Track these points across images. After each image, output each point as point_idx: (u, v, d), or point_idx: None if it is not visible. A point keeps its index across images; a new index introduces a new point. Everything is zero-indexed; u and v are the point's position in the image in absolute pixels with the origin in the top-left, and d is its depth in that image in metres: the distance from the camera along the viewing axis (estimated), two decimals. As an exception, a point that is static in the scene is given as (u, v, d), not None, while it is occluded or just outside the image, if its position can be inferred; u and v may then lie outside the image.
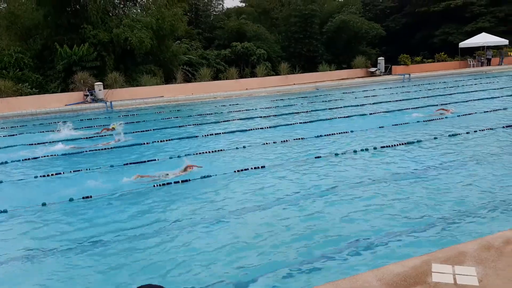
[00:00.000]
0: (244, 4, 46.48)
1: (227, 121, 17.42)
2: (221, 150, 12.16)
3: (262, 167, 10.07)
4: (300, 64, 37.41)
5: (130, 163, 11.10)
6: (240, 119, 17.69)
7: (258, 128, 15.30)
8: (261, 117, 18.06)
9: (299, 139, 13.06)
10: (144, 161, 11.30)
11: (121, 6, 33.38)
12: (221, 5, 41.80)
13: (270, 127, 15.46)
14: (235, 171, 9.79)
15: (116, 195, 8.61)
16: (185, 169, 9.80)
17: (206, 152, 11.94)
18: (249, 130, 15.12)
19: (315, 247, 6.03)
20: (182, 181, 9.22)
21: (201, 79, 30.06)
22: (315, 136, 13.25)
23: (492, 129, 12.91)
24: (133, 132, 15.64)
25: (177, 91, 27.46)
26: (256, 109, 20.65)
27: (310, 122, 16.14)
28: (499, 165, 9.41)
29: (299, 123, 16.01)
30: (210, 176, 9.50)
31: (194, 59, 33.31)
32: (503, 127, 13.11)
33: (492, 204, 7.16)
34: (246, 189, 8.74)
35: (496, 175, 8.65)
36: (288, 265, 5.58)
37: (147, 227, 7.01)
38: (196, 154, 11.82)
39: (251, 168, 9.94)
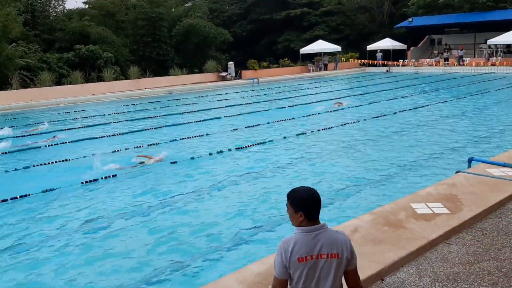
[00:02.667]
0: (87, 6, 43.71)
1: (72, 128, 16.01)
2: (66, 160, 11.07)
3: (113, 175, 9.42)
4: (151, 68, 36.50)
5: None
6: (87, 126, 16.42)
7: (108, 136, 14.36)
8: (111, 123, 17.05)
9: (153, 144, 12.58)
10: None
11: None
12: (61, 6, 38.63)
13: (121, 134, 14.64)
14: (82, 182, 8.99)
15: None
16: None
17: (51, 163, 10.76)
18: (98, 138, 14.09)
19: (176, 256, 5.77)
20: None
21: (42, 84, 27.30)
22: (170, 141, 12.92)
23: (331, 127, 14.08)
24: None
25: (12, 98, 24.49)
26: (104, 115, 19.45)
27: (164, 126, 15.72)
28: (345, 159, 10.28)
29: (153, 128, 15.48)
30: (54, 189, 8.58)
31: (33, 63, 30.16)
32: (341, 124, 14.42)
33: (336, 199, 7.72)
34: (97, 198, 8.07)
35: (340, 170, 9.39)
36: (142, 278, 5.22)
37: None
38: (42, 164, 10.60)
39: (102, 178, 9.23)
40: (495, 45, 36.79)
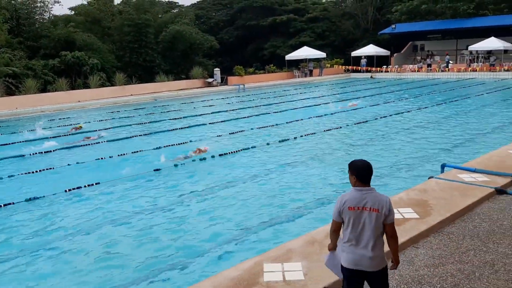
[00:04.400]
0: (73, 12, 43.56)
1: (57, 136, 16.03)
2: (50, 168, 11.14)
3: (96, 183, 9.53)
4: (137, 74, 36.55)
5: None
6: (71, 134, 16.46)
7: (92, 144, 14.42)
8: (96, 130, 17.10)
9: (137, 151, 12.70)
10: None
11: None
12: (47, 12, 38.43)
13: (106, 141, 14.71)
14: (66, 190, 9.09)
15: None
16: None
17: (38, 171, 10.82)
18: (81, 146, 14.15)
19: (150, 263, 5.93)
20: None
21: (27, 91, 27.19)
22: (154, 148, 13.05)
23: (315, 133, 14.34)
24: None
25: (-3, 106, 24.39)
26: (90, 122, 19.49)
27: (149, 134, 15.83)
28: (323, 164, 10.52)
29: (138, 135, 15.58)
30: (38, 198, 8.67)
31: (18, 70, 30.01)
32: (324, 130, 14.69)
33: (313, 203, 7.94)
34: (81, 209, 8.19)
35: (316, 174, 9.63)
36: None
37: None
38: (28, 173, 10.67)
39: (85, 186, 9.34)
40: (476, 51, 37.56)
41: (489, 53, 36.42)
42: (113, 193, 9.06)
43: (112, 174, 10.23)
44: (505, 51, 36.69)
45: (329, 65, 43.35)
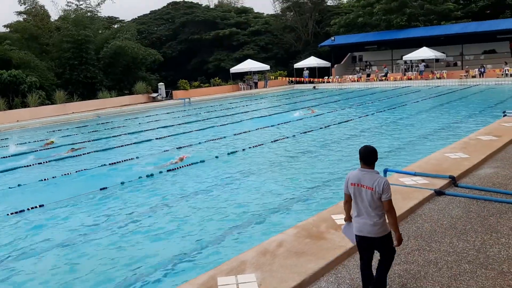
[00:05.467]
0: (8, 29, 41.60)
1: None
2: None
3: (40, 206, 9.13)
4: (78, 91, 35.46)
5: None
6: (8, 157, 15.66)
7: (33, 164, 13.80)
8: (37, 150, 16.40)
9: (82, 170, 12.30)
10: None
11: None
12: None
13: (48, 162, 14.12)
14: (8, 214, 8.66)
15: None
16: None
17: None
18: (22, 167, 13.51)
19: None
20: None
21: (-41, 113, 25.68)
22: (99, 166, 12.70)
23: (262, 144, 14.51)
24: None
25: None
26: (29, 142, 18.65)
27: (94, 152, 15.35)
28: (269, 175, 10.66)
29: (82, 154, 15.07)
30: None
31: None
32: (271, 141, 14.90)
33: (264, 213, 8.03)
34: (22, 233, 7.81)
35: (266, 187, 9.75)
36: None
37: None
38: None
39: (28, 209, 8.93)
40: (410, 60, 39.59)
41: (423, 61, 38.54)
42: (58, 215, 8.71)
43: (56, 195, 9.86)
44: (437, 60, 38.97)
45: (273, 77, 44.11)
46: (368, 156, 4.15)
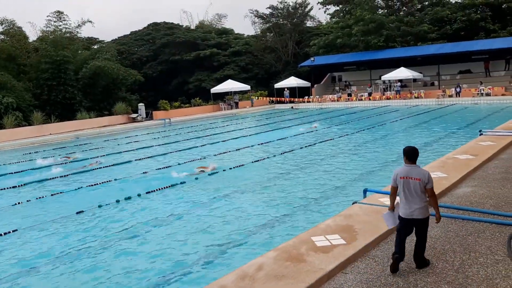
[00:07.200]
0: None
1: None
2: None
3: (14, 230, 8.86)
4: (57, 112, 34.99)
5: None
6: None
7: (7, 188, 13.43)
8: (11, 173, 16.00)
9: (58, 193, 12.02)
10: None
11: None
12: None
13: (24, 184, 13.76)
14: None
15: None
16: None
17: None
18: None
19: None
20: None
21: None
22: (75, 189, 12.43)
23: (243, 165, 14.44)
24: None
25: None
26: (4, 164, 18.22)
27: (71, 174, 15.05)
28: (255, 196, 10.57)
29: (58, 177, 14.75)
30: None
31: None
32: (252, 162, 14.84)
33: (244, 236, 7.93)
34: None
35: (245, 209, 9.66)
36: None
37: None
38: None
39: (3, 234, 8.64)
40: (389, 80, 40.32)
41: (401, 81, 39.30)
42: (32, 240, 8.45)
43: (31, 219, 9.59)
44: (414, 80, 39.77)
45: (256, 98, 44.47)
46: (413, 154, 5.24)
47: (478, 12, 43.55)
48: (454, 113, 27.60)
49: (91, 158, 18.22)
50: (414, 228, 5.27)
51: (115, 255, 7.42)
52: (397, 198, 5.38)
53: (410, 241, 5.51)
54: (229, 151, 17.45)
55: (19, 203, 11.24)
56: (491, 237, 6.11)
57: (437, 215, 5.26)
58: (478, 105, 31.86)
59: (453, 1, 47.37)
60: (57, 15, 39.92)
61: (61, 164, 17.33)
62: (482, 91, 34.56)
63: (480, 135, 14.70)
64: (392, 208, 5.41)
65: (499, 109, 27.59)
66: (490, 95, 34.06)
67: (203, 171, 13.61)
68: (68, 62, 37.24)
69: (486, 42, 38.71)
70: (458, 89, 35.77)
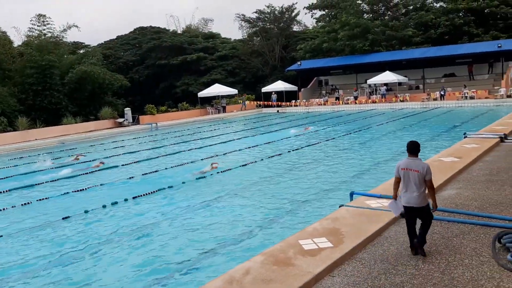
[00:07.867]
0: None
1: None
2: None
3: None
4: (42, 117, 34.61)
5: None
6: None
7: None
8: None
9: (43, 199, 11.87)
10: None
11: None
12: None
13: (8, 191, 13.57)
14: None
15: None
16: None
17: None
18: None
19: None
20: None
21: None
22: (62, 194, 12.30)
23: (231, 169, 14.42)
24: None
25: None
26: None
27: (58, 180, 14.87)
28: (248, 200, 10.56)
29: (45, 182, 14.57)
30: None
31: None
32: (240, 166, 14.83)
33: (232, 240, 7.92)
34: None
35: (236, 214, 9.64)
36: None
37: None
38: None
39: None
40: (374, 84, 40.67)
41: (386, 85, 39.66)
42: (16, 245, 8.33)
43: (16, 226, 9.46)
44: (400, 83, 40.17)
45: (241, 101, 44.48)
46: (414, 147, 5.73)
47: (462, 16, 44.22)
48: (439, 116, 27.93)
49: (93, 159, 18.02)
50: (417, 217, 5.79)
51: (101, 261, 7.36)
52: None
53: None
54: (217, 155, 17.41)
55: (4, 209, 11.08)
56: (476, 239, 6.19)
57: (433, 204, 5.81)
58: (462, 108, 32.29)
59: (437, 6, 48.06)
60: (39, 19, 39.51)
61: (42, 170, 17.14)
62: (466, 94, 35.03)
63: (464, 137, 14.88)
64: (395, 197, 5.95)
65: (483, 111, 28.01)
66: (474, 98, 34.55)
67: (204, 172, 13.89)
68: (54, 66, 36.89)
69: (469, 46, 39.29)
70: (442, 93, 36.22)
